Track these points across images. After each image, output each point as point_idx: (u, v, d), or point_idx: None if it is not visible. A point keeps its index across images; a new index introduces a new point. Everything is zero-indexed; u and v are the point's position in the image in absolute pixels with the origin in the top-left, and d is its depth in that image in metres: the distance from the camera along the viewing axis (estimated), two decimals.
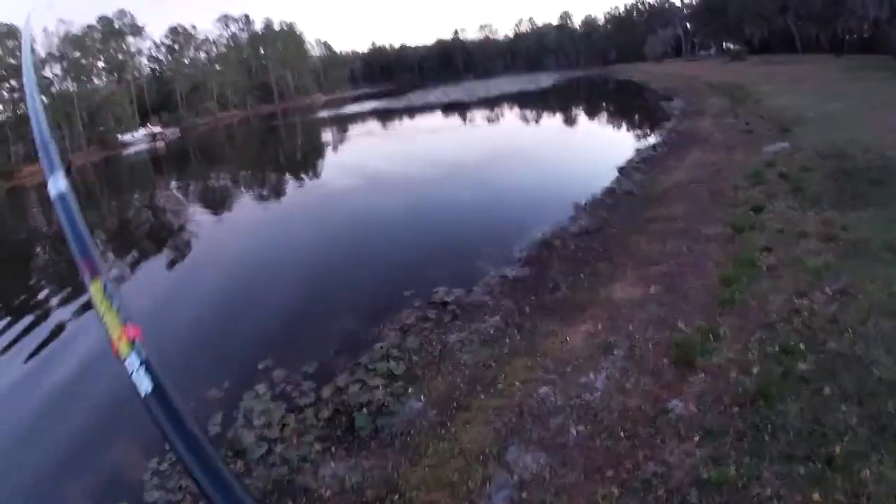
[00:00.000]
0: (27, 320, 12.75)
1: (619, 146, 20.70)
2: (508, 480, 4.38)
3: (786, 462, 3.85)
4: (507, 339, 7.18)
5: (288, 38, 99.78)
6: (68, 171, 0.99)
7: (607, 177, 15.66)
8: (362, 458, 5.69)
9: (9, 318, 12.96)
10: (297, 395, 7.32)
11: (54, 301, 13.99)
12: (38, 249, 22.43)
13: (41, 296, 14.86)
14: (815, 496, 3.55)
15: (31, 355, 10.75)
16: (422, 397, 6.45)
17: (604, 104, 41.95)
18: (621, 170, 16.50)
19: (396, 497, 4.78)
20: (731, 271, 7.30)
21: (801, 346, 5.24)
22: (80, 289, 14.72)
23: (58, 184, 0.98)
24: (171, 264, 16.11)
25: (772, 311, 6.05)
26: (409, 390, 6.68)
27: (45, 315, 13.08)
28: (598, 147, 22.33)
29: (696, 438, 4.17)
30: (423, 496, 4.63)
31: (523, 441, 4.83)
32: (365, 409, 6.53)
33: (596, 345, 6.08)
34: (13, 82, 62.05)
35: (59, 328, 12.07)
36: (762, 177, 12.14)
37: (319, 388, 7.33)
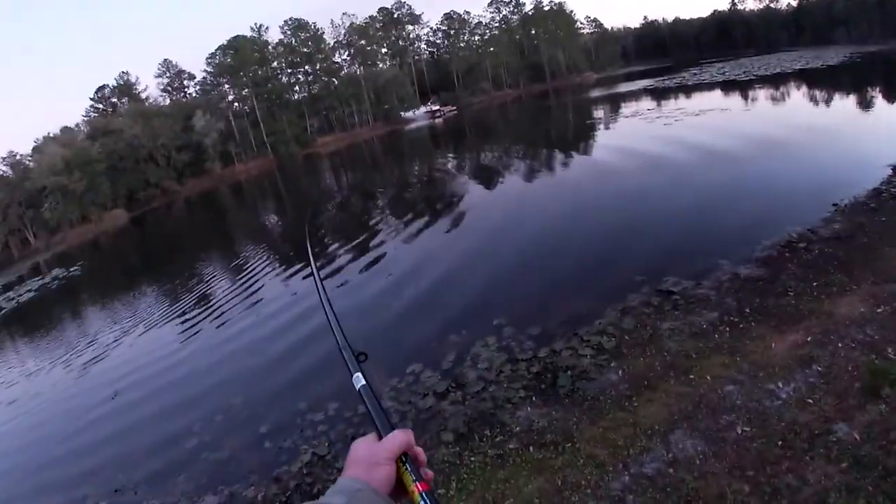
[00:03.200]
0: None
1: None
2: (663, 455, 5.02)
3: None
4: (716, 335, 7.37)
5: (558, 18, 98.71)
6: (364, 357, 1.26)
7: (878, 175, 13.05)
8: (554, 409, 6.88)
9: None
10: (518, 350, 8.76)
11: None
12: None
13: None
14: None
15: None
16: (620, 372, 7.26)
17: (889, 90, 32.70)
18: None
19: (568, 445, 5.86)
20: None
21: None
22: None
23: (360, 380, 1.18)
24: (435, 223, 19.03)
25: None
26: (612, 364, 7.52)
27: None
28: (875, 140, 18.10)
29: (844, 465, 4.16)
30: (589, 449, 5.60)
31: (690, 427, 5.35)
32: (569, 372, 7.66)
33: (797, 356, 5.96)
34: (307, 67, 75.69)
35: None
36: None
37: (538, 348, 8.66)
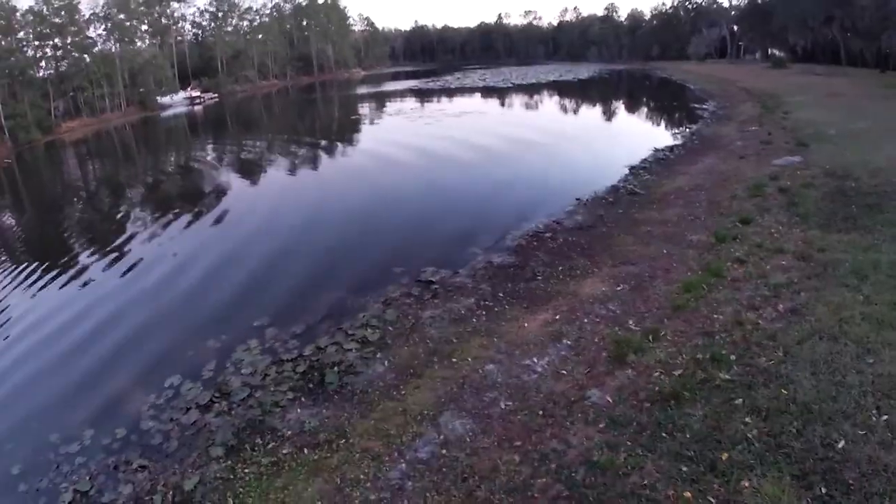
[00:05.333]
0: None
1: (638, 145, 20.70)
2: (435, 438, 4.97)
3: (672, 459, 4.25)
4: (474, 320, 7.75)
5: (331, 12, 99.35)
6: None
7: (616, 174, 15.87)
8: (324, 407, 6.46)
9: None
10: (283, 351, 8.23)
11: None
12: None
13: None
14: (687, 494, 3.89)
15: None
16: (385, 362, 7.20)
17: (636, 101, 41.30)
18: (632, 169, 16.66)
19: (343, 441, 5.49)
20: (696, 278, 7.62)
21: (732, 357, 5.56)
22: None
23: None
24: (195, 222, 16.96)
25: (718, 320, 6.40)
26: (377, 355, 7.44)
27: None
28: (617, 144, 22.31)
29: (601, 425, 4.64)
30: (363, 443, 5.31)
31: (458, 408, 5.42)
32: (336, 368, 7.37)
33: (548, 333, 6.56)
34: (57, 41, 63.30)
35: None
36: (762, 189, 12.25)
37: (302, 347, 8.23)
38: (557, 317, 7.05)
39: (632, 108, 37.98)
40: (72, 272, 13.76)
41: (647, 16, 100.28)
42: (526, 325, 7.04)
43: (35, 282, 13.54)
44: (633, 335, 6.17)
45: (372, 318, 8.52)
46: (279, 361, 7.94)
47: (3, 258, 16.56)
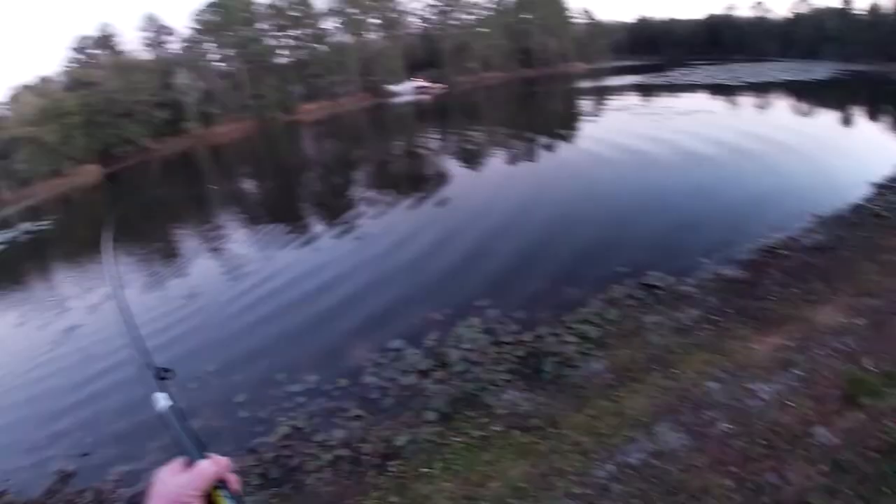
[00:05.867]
0: None
1: (882, 160, 17.12)
2: (648, 446, 5.17)
3: None
4: (699, 333, 7.60)
5: (552, 5, 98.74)
6: (170, 374, 1.16)
7: (859, 191, 13.54)
8: (538, 394, 6.98)
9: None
10: (503, 333, 8.81)
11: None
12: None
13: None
14: None
15: None
16: (604, 361, 7.40)
17: (882, 109, 33.53)
18: (878, 187, 13.99)
19: (553, 430, 5.97)
20: None
21: None
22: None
23: (162, 400, 1.08)
24: (417, 202, 18.84)
25: None
26: (596, 353, 7.65)
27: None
28: (858, 156, 18.66)
29: (824, 467, 4.36)
30: (574, 436, 5.73)
31: (674, 421, 5.51)
32: (553, 358, 7.74)
33: (777, 359, 6.18)
34: (295, 32, 74.06)
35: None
36: None
37: (522, 332, 8.73)
38: (789, 343, 6.58)
39: (873, 115, 31.03)
40: (306, 236, 16.66)
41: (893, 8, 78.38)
42: (754, 346, 6.70)
43: (272, 240, 16.76)
44: (868, 376, 5.54)
45: (593, 315, 8.71)
46: (499, 343, 8.49)
47: (246, 218, 20.74)
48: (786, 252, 10.04)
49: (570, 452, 5.44)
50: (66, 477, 7.88)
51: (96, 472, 7.72)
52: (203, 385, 9.09)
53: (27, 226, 36.88)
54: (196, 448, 1.00)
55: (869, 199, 12.95)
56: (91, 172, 60.68)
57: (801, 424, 4.87)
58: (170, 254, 18.42)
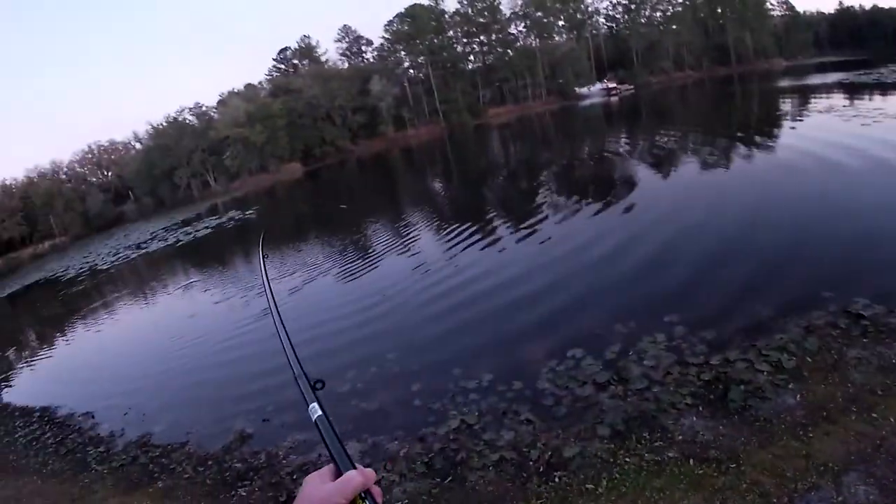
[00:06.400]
0: None
1: None
2: (832, 497, 5.12)
3: None
4: None
5: None
6: (321, 385, 1.25)
7: None
8: (721, 423, 6.84)
9: None
10: (689, 353, 8.55)
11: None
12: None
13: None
14: None
15: None
16: (798, 396, 7.01)
17: None
18: None
19: (733, 466, 5.98)
20: None
21: None
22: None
23: (316, 410, 1.14)
24: (603, 208, 18.83)
25: None
26: (790, 386, 7.23)
27: None
28: None
29: None
30: (754, 474, 5.74)
31: (867, 473, 5.31)
32: (742, 386, 7.40)
33: None
34: (482, 38, 75.95)
35: None
36: None
37: (710, 354, 8.39)
38: None
39: None
40: (490, 238, 17.64)
41: None
42: None
43: (457, 239, 18.01)
44: None
45: (790, 343, 8.14)
46: (684, 363, 8.26)
47: (435, 216, 22.34)
48: None
49: (748, 492, 5.45)
50: (244, 437, 9.34)
51: (272, 438, 8.97)
52: (381, 370, 10.36)
53: (233, 213, 44.39)
54: (345, 458, 1.06)
55: None
56: (293, 170, 70.72)
57: None
58: (361, 247, 21.12)
